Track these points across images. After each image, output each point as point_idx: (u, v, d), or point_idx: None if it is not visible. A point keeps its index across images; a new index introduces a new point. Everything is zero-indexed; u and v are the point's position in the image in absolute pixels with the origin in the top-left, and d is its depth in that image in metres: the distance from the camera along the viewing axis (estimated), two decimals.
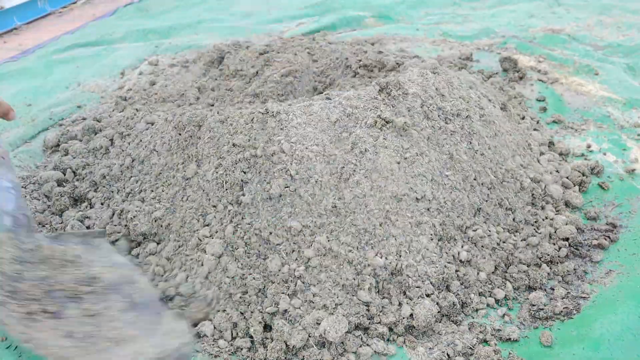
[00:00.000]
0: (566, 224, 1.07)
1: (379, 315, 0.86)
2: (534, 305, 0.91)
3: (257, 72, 1.65)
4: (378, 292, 0.89)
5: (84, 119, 1.59)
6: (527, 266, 0.98)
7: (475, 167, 1.07)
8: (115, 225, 1.05)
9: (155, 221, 1.01)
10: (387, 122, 1.01)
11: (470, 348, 0.84)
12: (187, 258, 0.93)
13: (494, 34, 2.21)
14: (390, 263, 0.90)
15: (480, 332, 0.87)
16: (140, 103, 1.63)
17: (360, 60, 1.66)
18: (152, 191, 1.06)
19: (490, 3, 2.72)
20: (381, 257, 0.90)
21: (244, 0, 2.99)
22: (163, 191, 1.04)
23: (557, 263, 1.00)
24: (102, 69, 1.99)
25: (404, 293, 0.89)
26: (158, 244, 1.00)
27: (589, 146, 1.41)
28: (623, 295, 0.94)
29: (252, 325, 0.84)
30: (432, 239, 0.94)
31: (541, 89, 1.71)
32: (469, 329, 0.88)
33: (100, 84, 1.86)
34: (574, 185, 1.21)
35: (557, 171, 1.23)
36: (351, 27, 2.38)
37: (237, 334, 0.84)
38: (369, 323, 0.85)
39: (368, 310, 0.86)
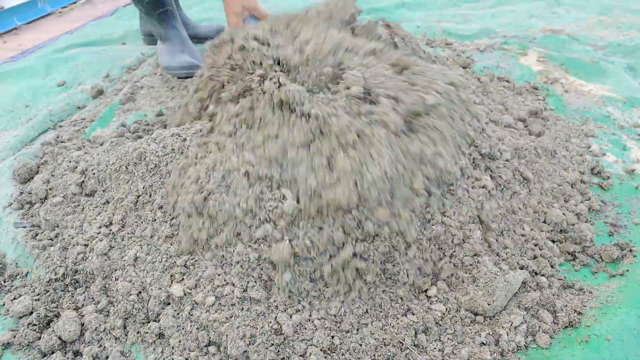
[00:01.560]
0: None
1: None
2: None
3: None
4: None
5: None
6: None
7: None
8: None
9: None
10: None
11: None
12: None
13: (494, 33, 2.21)
14: None
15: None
16: None
17: None
18: None
19: (490, 3, 2.72)
20: None
21: None
22: None
23: None
24: (101, 69, 1.99)
25: None
26: None
27: (588, 146, 1.40)
28: (623, 297, 0.93)
29: None
30: None
31: (541, 89, 1.71)
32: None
33: (100, 85, 1.86)
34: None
35: None
36: None
37: None
38: None
39: None
